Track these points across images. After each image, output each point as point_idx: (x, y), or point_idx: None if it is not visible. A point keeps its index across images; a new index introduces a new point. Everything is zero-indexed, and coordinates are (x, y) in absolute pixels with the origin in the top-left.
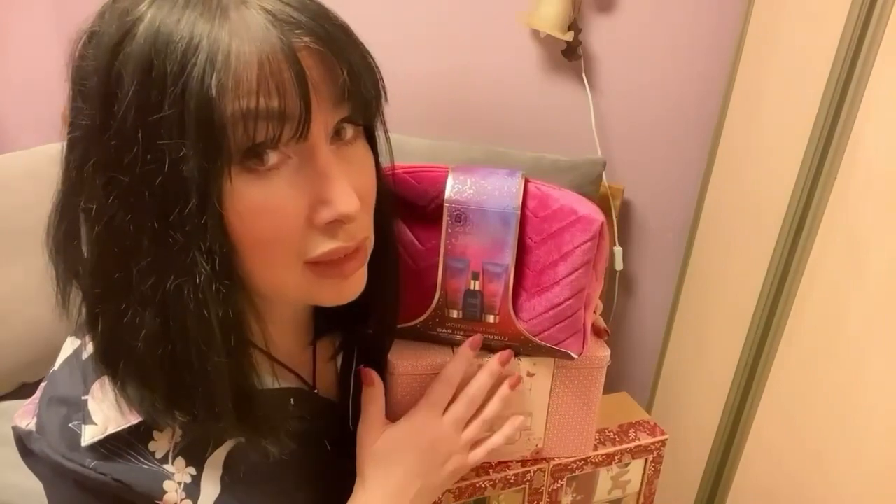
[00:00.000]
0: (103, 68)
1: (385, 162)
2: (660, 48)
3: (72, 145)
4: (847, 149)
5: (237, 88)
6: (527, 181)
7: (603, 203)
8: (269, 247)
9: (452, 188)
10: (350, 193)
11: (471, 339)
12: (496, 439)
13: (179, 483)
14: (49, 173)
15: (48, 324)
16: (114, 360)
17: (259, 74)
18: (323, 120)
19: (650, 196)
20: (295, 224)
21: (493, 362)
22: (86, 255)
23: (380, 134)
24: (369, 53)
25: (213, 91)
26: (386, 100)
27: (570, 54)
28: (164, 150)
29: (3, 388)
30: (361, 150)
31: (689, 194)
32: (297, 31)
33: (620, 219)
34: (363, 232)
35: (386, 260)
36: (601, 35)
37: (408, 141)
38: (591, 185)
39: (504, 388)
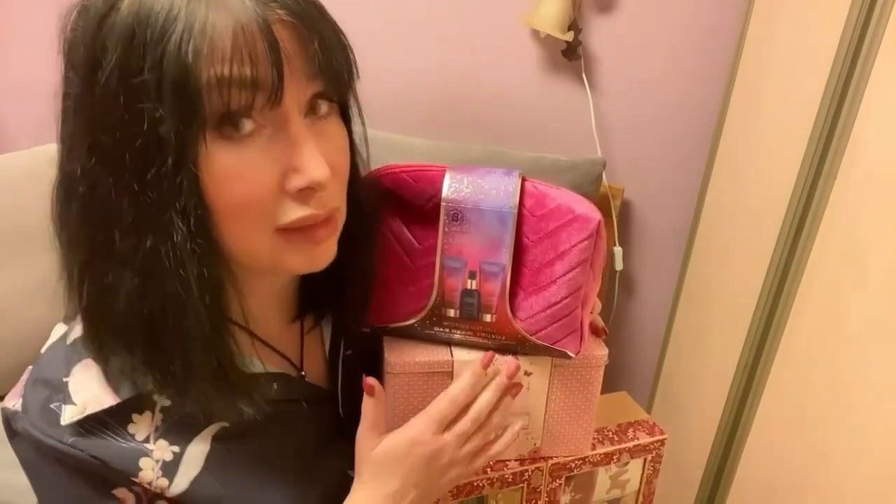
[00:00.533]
0: (90, 39)
1: (359, 140)
2: (660, 48)
3: (64, 117)
4: (847, 149)
5: (212, 55)
6: (524, 180)
7: (603, 203)
8: (242, 211)
9: (449, 187)
10: (321, 161)
11: (483, 356)
12: (497, 448)
13: (157, 461)
14: (49, 173)
15: (48, 324)
16: (96, 322)
17: (233, 43)
18: (296, 91)
19: (650, 196)
20: (267, 190)
21: (501, 377)
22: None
23: (354, 112)
24: (341, 30)
25: (190, 57)
26: (358, 76)
27: (570, 54)
28: (143, 112)
29: (2, 388)
30: (335, 125)
31: (689, 194)
32: (272, 5)
33: (620, 219)
34: (334, 202)
35: (360, 234)
36: (601, 35)
37: (408, 141)
38: (591, 185)
39: (507, 400)
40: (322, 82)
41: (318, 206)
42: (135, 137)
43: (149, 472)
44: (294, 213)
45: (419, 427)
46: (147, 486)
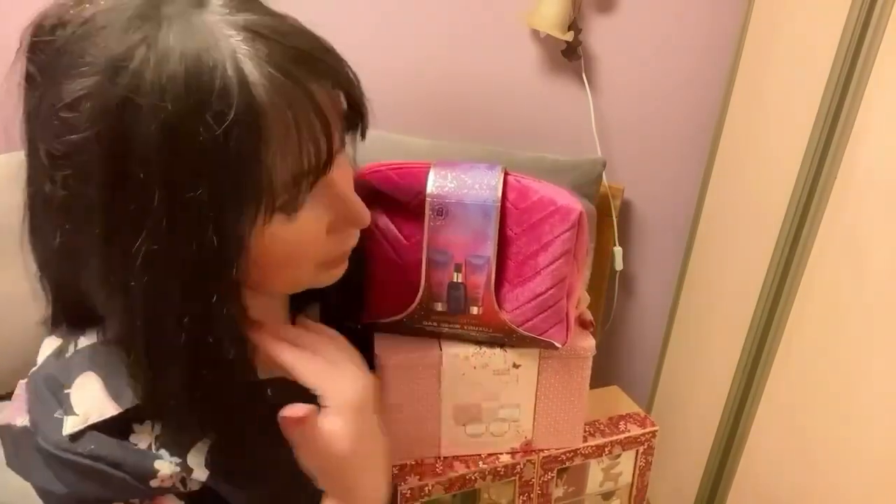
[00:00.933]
0: (105, 133)
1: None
2: (660, 48)
3: (51, 216)
4: (847, 149)
5: (281, 150)
6: (506, 174)
7: (603, 203)
8: (292, 265)
9: (434, 183)
10: (365, 208)
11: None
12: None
13: (171, 462)
14: None
15: None
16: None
17: (297, 135)
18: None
19: (650, 196)
20: (317, 244)
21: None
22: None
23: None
24: (351, 69)
25: (258, 156)
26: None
27: (570, 54)
28: (189, 202)
29: (2, 388)
30: (346, 154)
31: (689, 194)
32: (312, 76)
33: (620, 219)
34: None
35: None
36: (601, 35)
37: (408, 141)
38: (591, 185)
39: None
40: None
41: (355, 239)
42: (190, 242)
43: (166, 469)
44: (337, 250)
45: None
46: (171, 480)
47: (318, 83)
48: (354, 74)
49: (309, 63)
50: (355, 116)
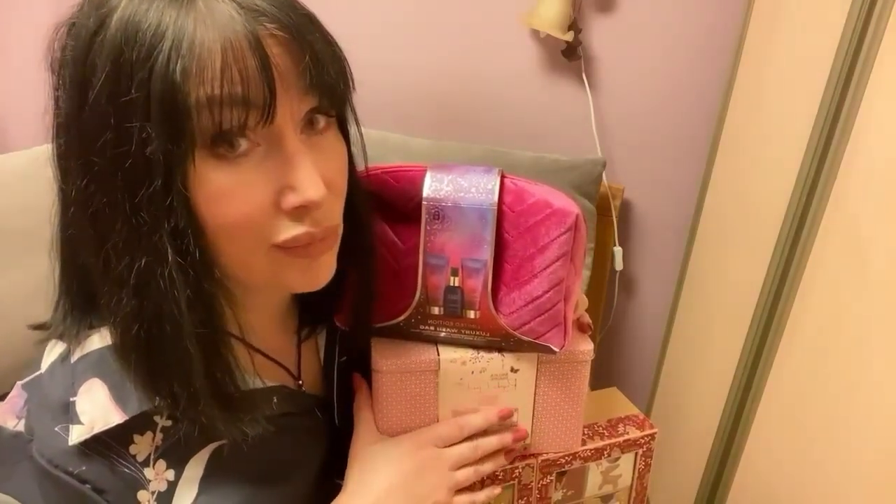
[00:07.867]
0: (80, 57)
1: (357, 152)
2: (660, 48)
3: (56, 136)
4: (847, 148)
5: (201, 74)
6: (503, 177)
7: (603, 203)
8: (236, 230)
9: (430, 186)
10: (317, 180)
11: (502, 410)
12: (481, 497)
13: (153, 493)
14: (48, 174)
15: None
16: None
17: (222, 61)
18: (290, 107)
19: (650, 196)
20: (262, 208)
21: (507, 435)
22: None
23: (352, 125)
24: (335, 42)
25: (178, 76)
26: (353, 88)
27: (570, 54)
28: (132, 132)
29: (1, 388)
30: (332, 139)
31: (689, 194)
32: (262, 19)
33: (620, 219)
34: (331, 220)
35: (360, 249)
36: (601, 35)
37: (408, 141)
38: (591, 185)
39: (501, 458)
40: (316, 97)
41: (314, 224)
42: (124, 157)
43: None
44: (289, 230)
45: (419, 437)
46: None
47: (272, 32)
48: (333, 48)
49: (263, 11)
50: (324, 87)
